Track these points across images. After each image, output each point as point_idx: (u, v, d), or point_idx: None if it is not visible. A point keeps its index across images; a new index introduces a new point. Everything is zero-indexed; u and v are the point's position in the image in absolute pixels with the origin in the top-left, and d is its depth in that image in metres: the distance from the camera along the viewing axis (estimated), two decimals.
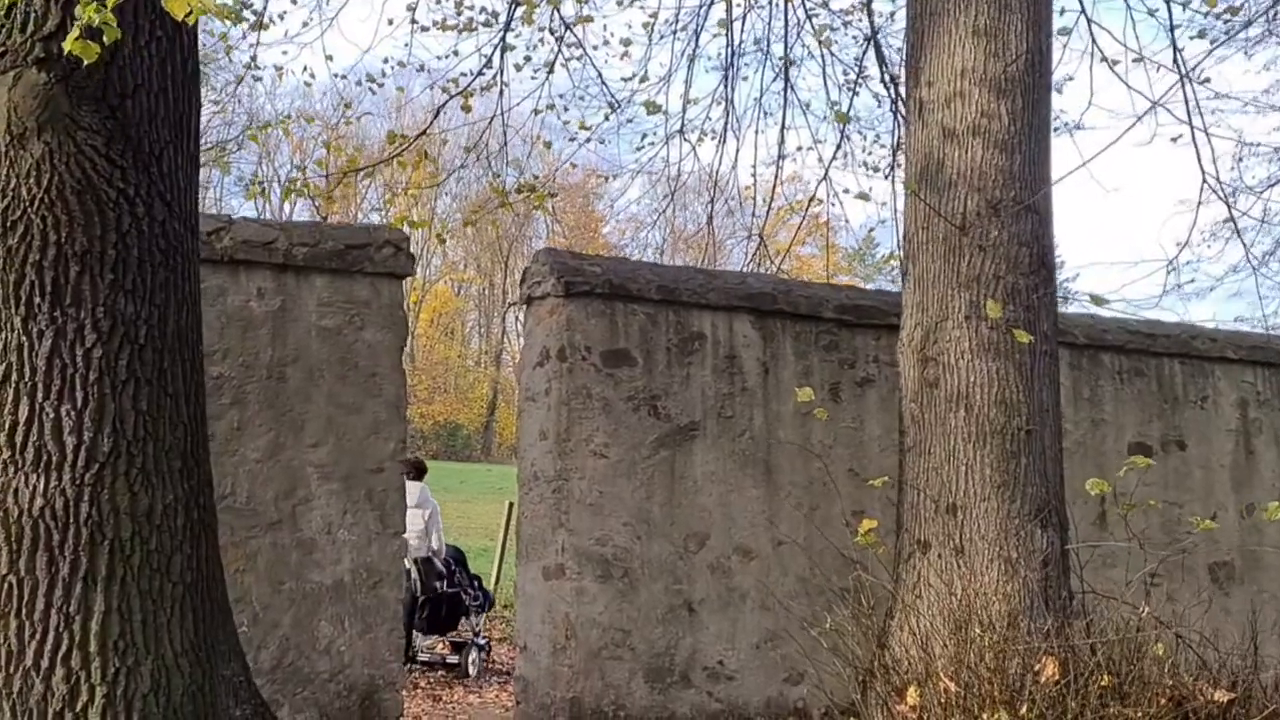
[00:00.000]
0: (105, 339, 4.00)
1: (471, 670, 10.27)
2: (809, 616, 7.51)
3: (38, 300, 3.95)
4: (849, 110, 10.34)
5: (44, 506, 3.89)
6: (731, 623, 7.35)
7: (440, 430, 64.63)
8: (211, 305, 6.30)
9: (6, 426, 3.92)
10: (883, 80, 9.58)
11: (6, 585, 3.87)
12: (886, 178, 9.88)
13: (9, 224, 3.95)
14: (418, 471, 10.62)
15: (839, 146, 9.96)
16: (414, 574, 10.28)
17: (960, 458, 5.53)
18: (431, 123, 8.67)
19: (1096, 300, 5.17)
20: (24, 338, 3.94)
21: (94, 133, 3.97)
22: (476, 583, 10.95)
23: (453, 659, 10.61)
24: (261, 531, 6.28)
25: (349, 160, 8.74)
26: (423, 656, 10.80)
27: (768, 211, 10.84)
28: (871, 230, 19.57)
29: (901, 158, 9.77)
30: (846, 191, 12.66)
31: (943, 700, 4.88)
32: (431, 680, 9.85)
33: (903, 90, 8.44)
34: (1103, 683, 4.94)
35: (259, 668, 6.18)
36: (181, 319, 4.28)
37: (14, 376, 3.93)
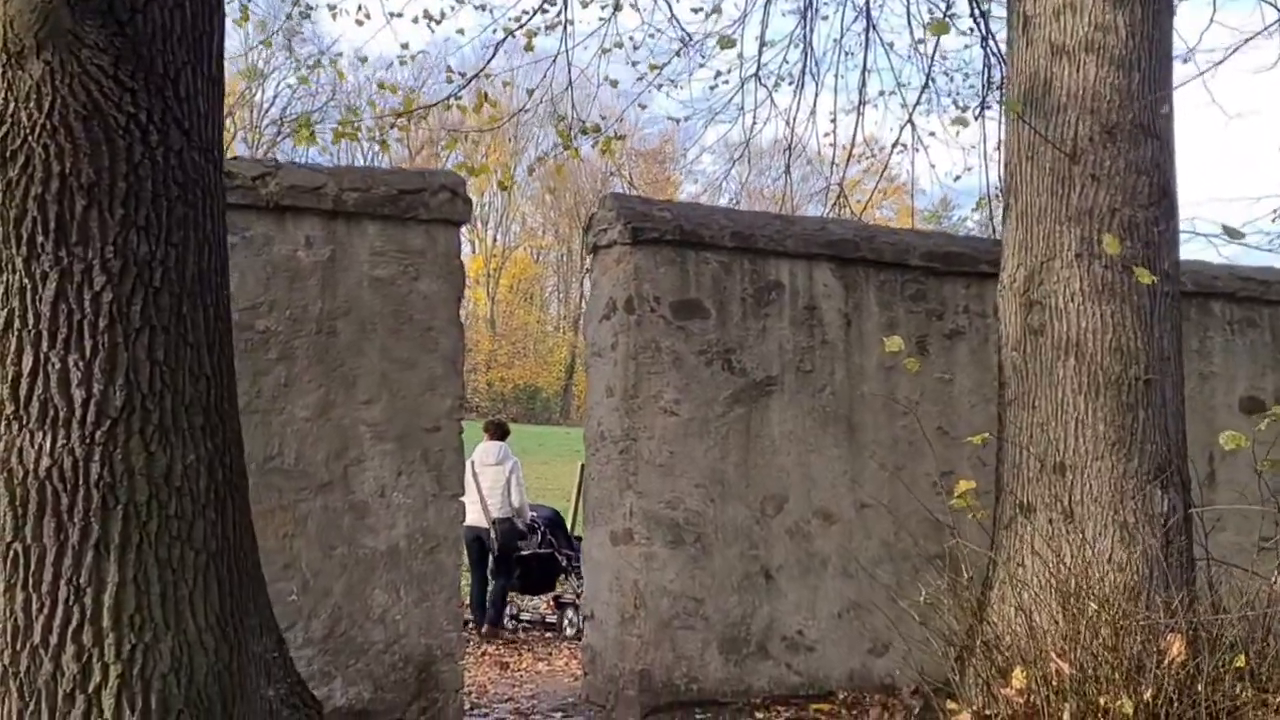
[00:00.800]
0: (116, 281, 3.55)
1: (568, 630, 9.99)
2: (895, 585, 6.98)
3: (41, 238, 3.50)
4: (934, 52, 9.65)
5: (51, 467, 3.46)
6: (811, 591, 6.82)
7: (520, 393, 65.13)
8: (257, 255, 5.89)
9: (9, 379, 3.49)
10: (972, 14, 8.87)
11: (11, 554, 3.46)
12: (977, 117, 9.17)
13: (8, 154, 3.50)
14: (500, 432, 10.27)
15: (925, 86, 9.28)
16: (492, 534, 9.97)
17: (1070, 411, 4.93)
18: (490, 59, 8.15)
19: (1232, 233, 4.52)
20: (26, 280, 3.50)
21: (100, 51, 3.51)
22: (576, 544, 10.55)
23: (552, 619, 10.40)
24: (311, 494, 5.87)
25: (405, 101, 8.25)
26: (525, 616, 10.58)
27: (848, 160, 10.19)
28: (957, 178, 18.29)
29: (993, 98, 9.10)
30: (933, 135, 11.93)
31: (1054, 683, 4.32)
32: (499, 647, 9.47)
33: (992, 26, 7.77)
34: (1238, 663, 4.34)
35: (310, 637, 5.81)
36: (204, 260, 3.82)
37: (16, 323, 3.50)
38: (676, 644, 6.48)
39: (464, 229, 6.82)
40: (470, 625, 10.27)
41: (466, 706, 6.88)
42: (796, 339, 6.96)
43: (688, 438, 6.64)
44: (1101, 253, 4.73)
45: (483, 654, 9.07)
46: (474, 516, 9.61)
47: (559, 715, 6.68)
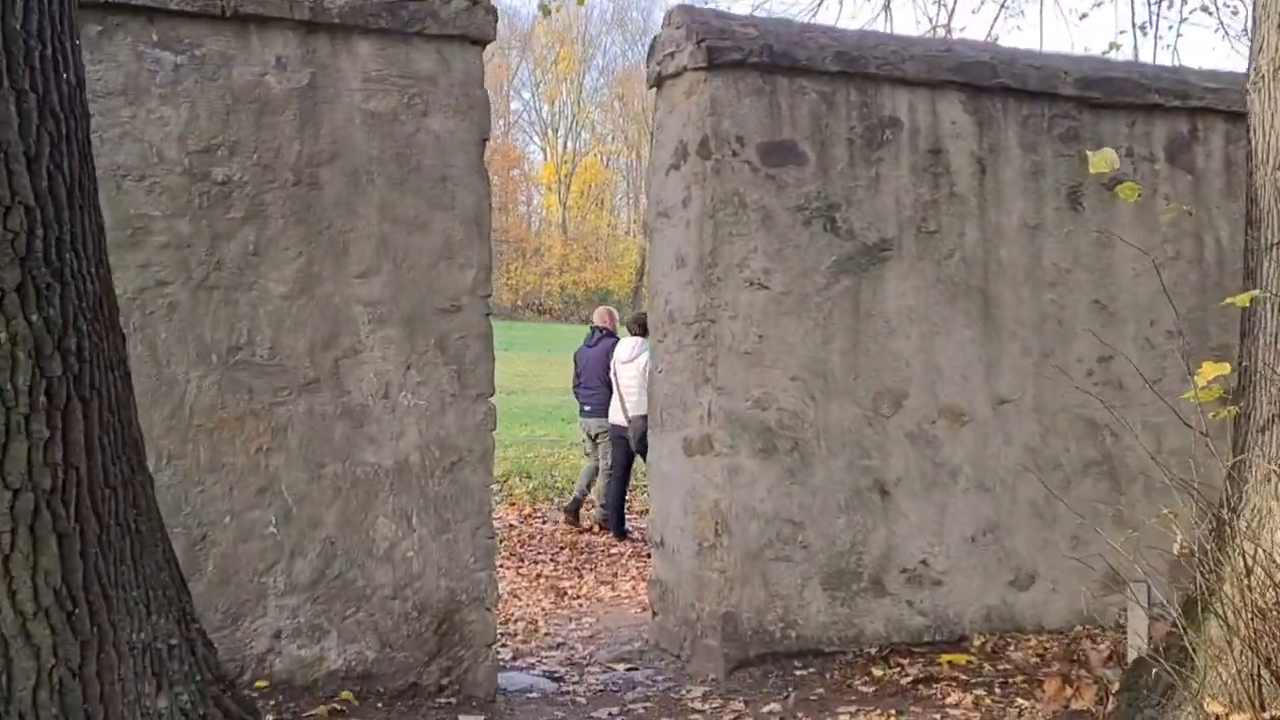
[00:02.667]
0: None
1: None
2: (1042, 501, 5.29)
3: None
4: None
5: None
6: (938, 509, 5.16)
7: (591, 296, 64.55)
8: (212, 80, 4.25)
9: None
10: None
11: None
12: None
13: None
14: (642, 328, 8.85)
15: None
16: (629, 432, 8.62)
17: None
18: None
19: None
20: None
21: None
22: None
23: None
24: (292, 396, 4.30)
25: None
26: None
27: None
28: (1084, 16, 14.80)
29: None
30: None
31: None
32: (558, 566, 7.96)
33: None
34: None
35: (294, 582, 4.28)
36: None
37: None
38: (769, 579, 4.88)
39: (489, 52, 5.12)
40: (598, 529, 9.19)
41: (508, 656, 5.37)
42: (917, 191, 5.19)
43: (781, 317, 4.95)
44: None
45: (538, 576, 7.57)
46: (617, 415, 9.02)
47: (621, 667, 5.13)
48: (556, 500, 10.26)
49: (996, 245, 5.31)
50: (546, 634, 5.86)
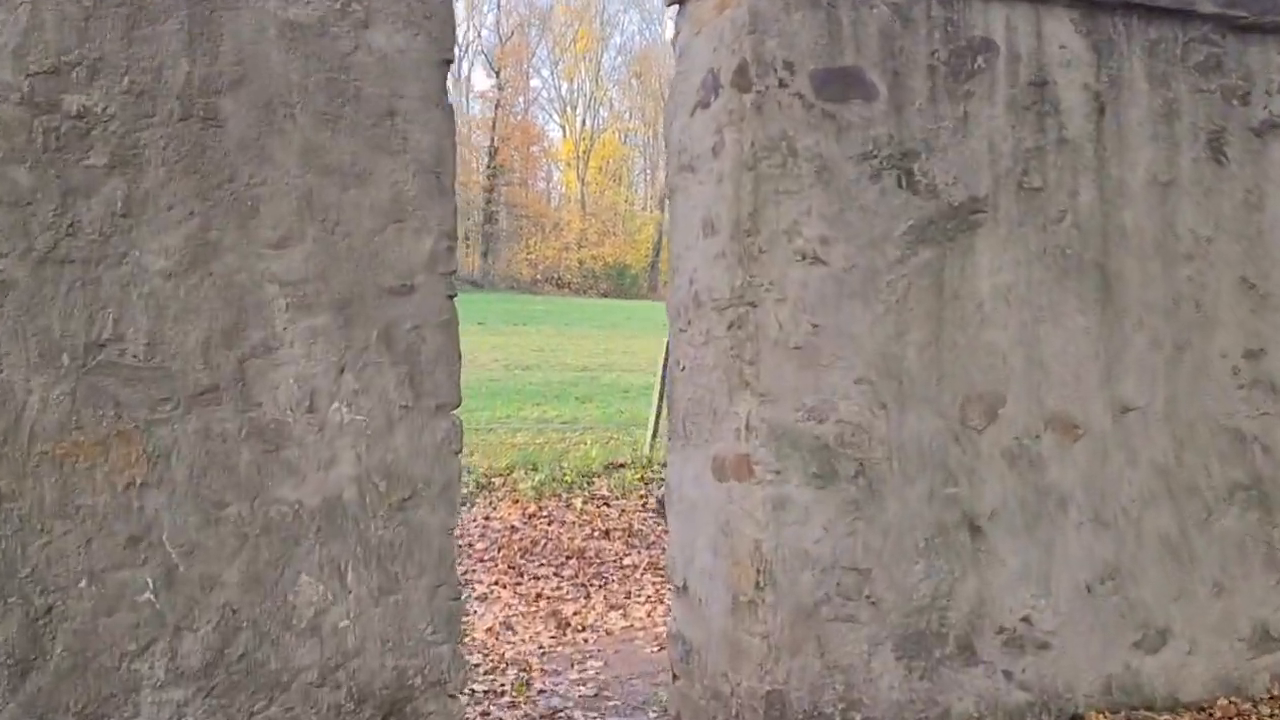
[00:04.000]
0: None
1: None
2: (1175, 535, 3.99)
3: None
4: None
5: None
6: (1044, 550, 3.85)
7: (609, 270, 64.07)
8: None
9: None
10: None
11: None
12: None
13: None
14: None
15: None
16: None
17: None
18: None
19: None
20: None
21: None
22: None
23: None
24: (178, 410, 3.03)
25: None
26: None
27: None
28: None
29: None
30: None
31: None
32: (563, 583, 6.71)
33: None
34: None
35: (181, 667, 3.02)
36: None
37: None
38: (826, 646, 3.60)
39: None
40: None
41: None
42: (1017, 136, 3.87)
43: (842, 300, 3.64)
44: None
45: (538, 597, 6.31)
46: None
47: None
48: (565, 496, 9.01)
49: (1118, 207, 3.98)
50: (541, 690, 4.58)
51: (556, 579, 6.72)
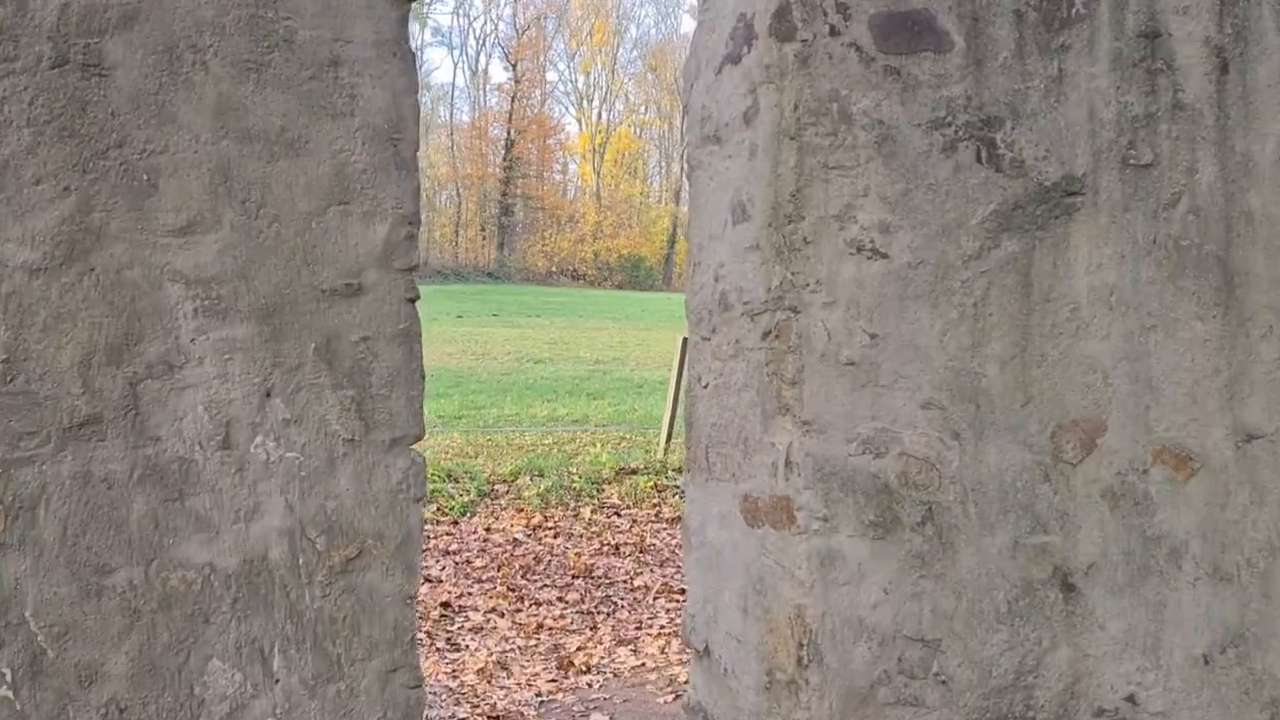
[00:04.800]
0: None
1: None
2: None
3: None
4: None
5: None
6: (1152, 613, 3.06)
7: (624, 262, 63.91)
8: None
9: None
10: None
11: None
12: None
13: None
14: None
15: None
16: None
17: None
18: None
19: None
20: None
21: None
22: None
23: None
24: (48, 447, 2.27)
25: None
26: None
27: None
28: None
29: None
30: None
31: None
32: (566, 610, 5.95)
33: None
34: None
35: None
36: None
37: None
38: None
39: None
40: None
41: None
42: (1122, 100, 3.07)
43: (907, 304, 2.86)
44: None
45: (538, 628, 5.56)
46: None
47: None
48: (573, 505, 8.26)
49: (1244, 188, 3.18)
50: None
51: (560, 605, 5.98)
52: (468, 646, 5.20)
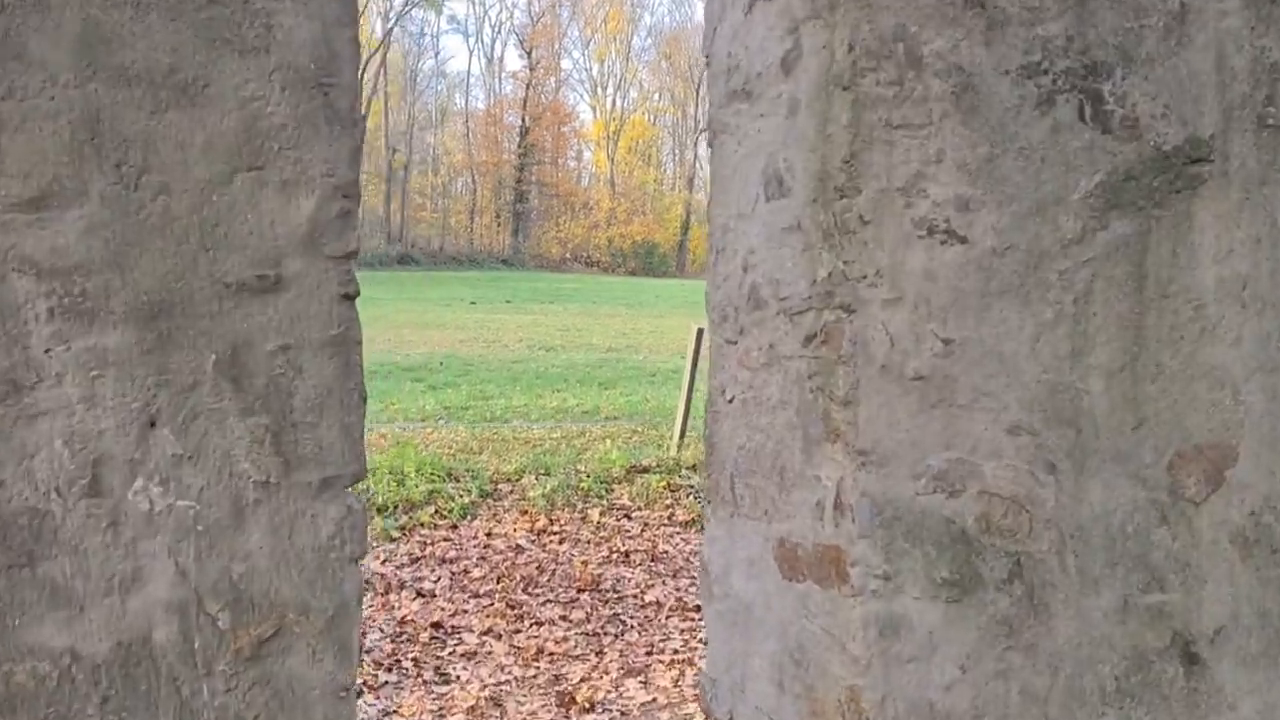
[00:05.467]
0: None
1: None
2: None
3: None
4: None
5: None
6: None
7: (638, 249, 63.58)
8: None
9: None
10: None
11: None
12: None
13: None
14: None
15: None
16: None
17: None
18: None
19: None
20: None
21: None
22: None
23: None
24: None
25: None
26: None
27: None
28: None
29: None
30: None
31: None
32: (570, 629, 5.33)
33: None
34: None
35: None
36: None
37: None
38: None
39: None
40: None
41: None
42: (1259, 44, 2.40)
43: (991, 300, 2.21)
44: None
45: (538, 653, 4.94)
46: None
47: None
48: (580, 507, 7.63)
49: None
50: None
51: (564, 624, 5.36)
52: (459, 677, 4.59)
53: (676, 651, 4.98)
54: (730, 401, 2.57)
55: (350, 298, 1.91)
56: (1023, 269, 2.22)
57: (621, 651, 4.98)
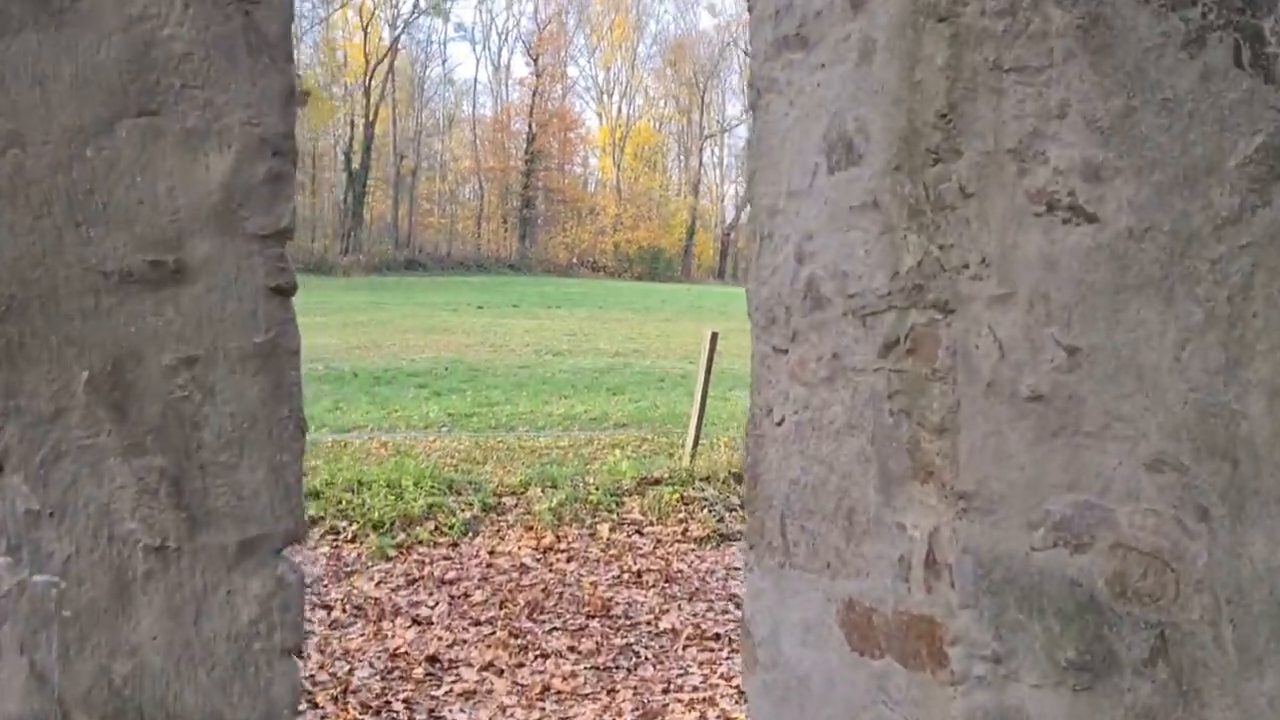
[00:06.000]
0: None
1: None
2: None
3: None
4: None
5: None
6: None
7: (644, 254, 63.39)
8: None
9: None
10: None
11: None
12: None
13: None
14: None
15: None
16: None
17: None
18: None
19: None
20: None
21: None
22: None
23: None
24: None
25: None
26: None
27: None
28: None
29: None
30: None
31: None
32: (579, 661, 4.80)
33: None
34: None
35: None
36: None
37: None
38: None
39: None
40: None
41: None
42: None
43: (1124, 298, 1.68)
44: None
45: (544, 691, 4.41)
46: None
47: None
48: (589, 521, 7.11)
49: None
50: None
51: (572, 656, 4.83)
52: None
53: (695, 689, 4.45)
54: (779, 424, 2.05)
55: (283, 292, 1.39)
56: (1165, 257, 1.70)
57: (635, 689, 4.45)
